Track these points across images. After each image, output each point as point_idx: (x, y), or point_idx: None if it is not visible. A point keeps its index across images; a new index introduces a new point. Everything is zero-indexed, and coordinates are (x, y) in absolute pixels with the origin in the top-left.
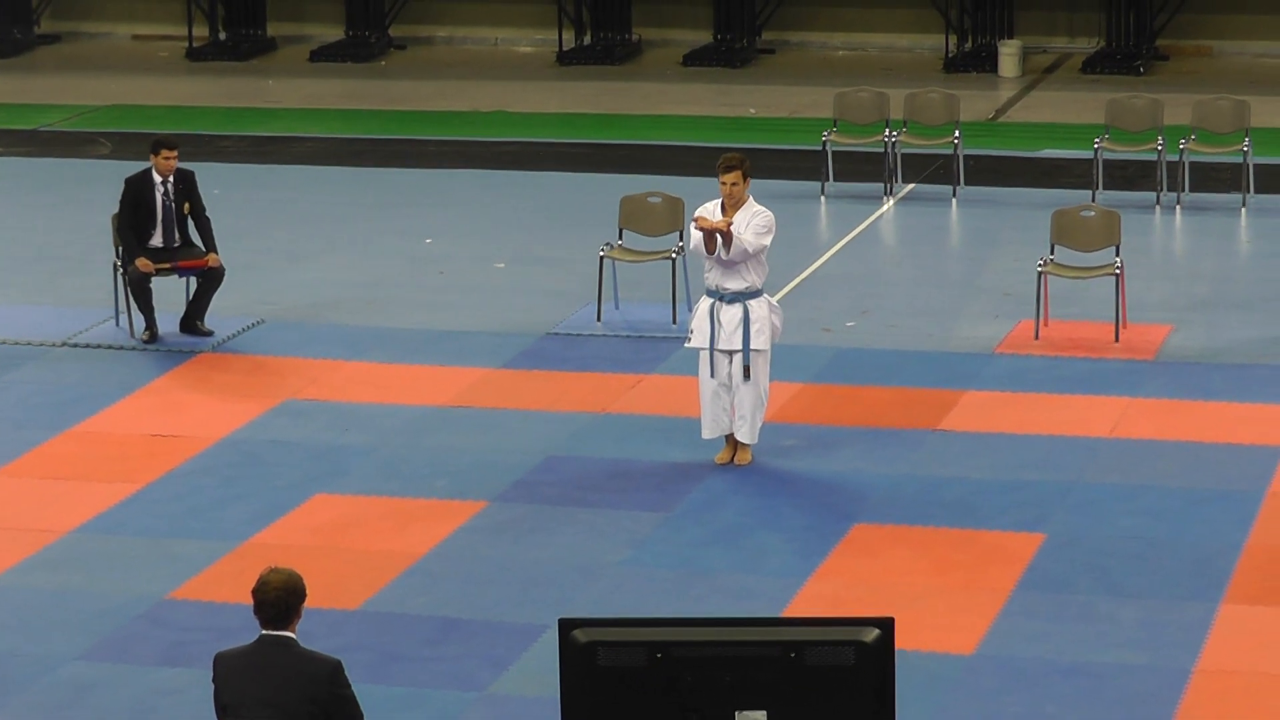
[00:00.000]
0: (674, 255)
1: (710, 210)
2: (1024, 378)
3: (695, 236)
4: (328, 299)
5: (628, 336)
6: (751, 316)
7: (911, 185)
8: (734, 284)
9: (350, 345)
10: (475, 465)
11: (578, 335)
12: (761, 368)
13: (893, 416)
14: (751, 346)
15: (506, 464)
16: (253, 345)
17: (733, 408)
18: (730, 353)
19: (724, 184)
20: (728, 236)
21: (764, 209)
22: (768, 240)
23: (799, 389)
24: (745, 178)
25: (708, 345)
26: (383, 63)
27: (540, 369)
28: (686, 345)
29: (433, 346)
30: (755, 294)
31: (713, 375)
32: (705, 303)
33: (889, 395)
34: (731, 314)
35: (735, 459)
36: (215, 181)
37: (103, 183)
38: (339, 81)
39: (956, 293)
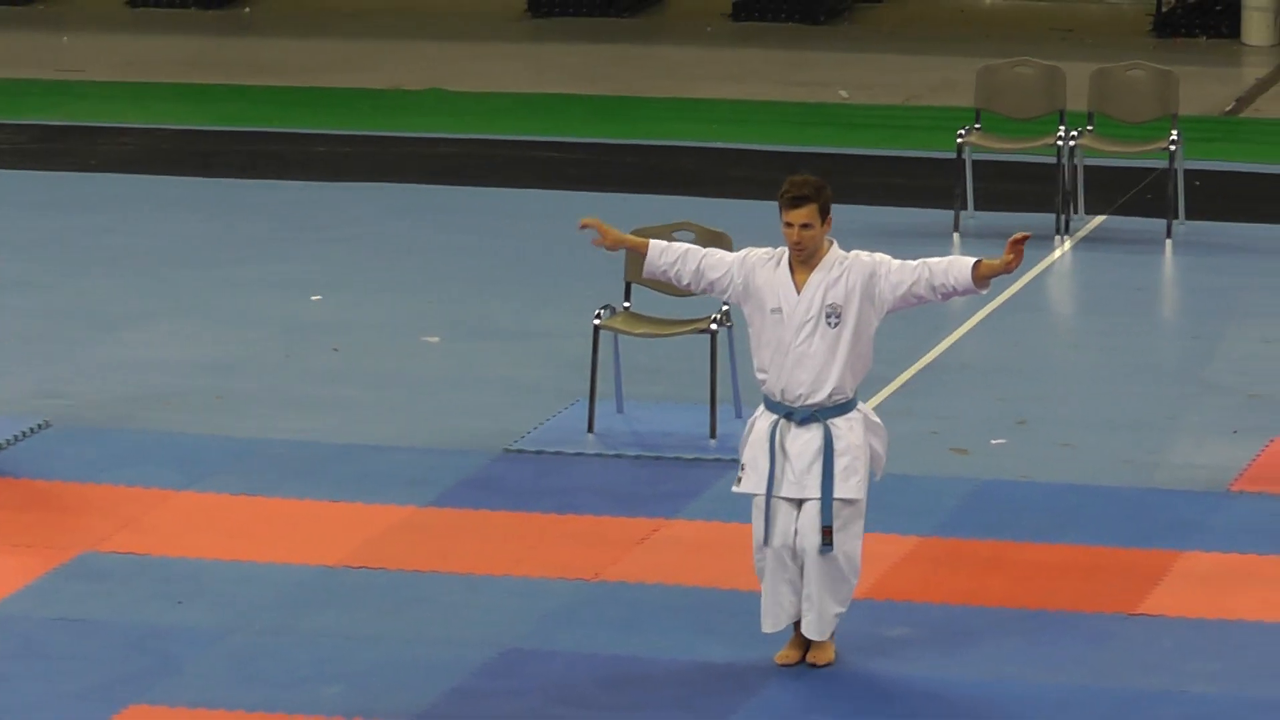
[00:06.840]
0: (713, 326)
1: (764, 262)
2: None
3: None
4: (151, 390)
5: (637, 457)
6: (837, 445)
7: (1100, 218)
8: (811, 388)
9: (186, 465)
10: (387, 663)
11: (557, 454)
12: (853, 528)
13: (1065, 593)
14: (837, 495)
15: (439, 662)
16: (31, 463)
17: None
18: (800, 501)
19: (789, 226)
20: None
21: (860, 254)
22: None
23: (913, 545)
24: (824, 215)
25: (764, 490)
26: (246, 9)
27: (494, 508)
28: (735, 489)
29: (321, 469)
30: (844, 408)
31: (766, 540)
32: (765, 421)
33: (1058, 557)
34: (805, 441)
35: (809, 657)
36: None
37: None
38: (177, 40)
39: (1171, 392)
